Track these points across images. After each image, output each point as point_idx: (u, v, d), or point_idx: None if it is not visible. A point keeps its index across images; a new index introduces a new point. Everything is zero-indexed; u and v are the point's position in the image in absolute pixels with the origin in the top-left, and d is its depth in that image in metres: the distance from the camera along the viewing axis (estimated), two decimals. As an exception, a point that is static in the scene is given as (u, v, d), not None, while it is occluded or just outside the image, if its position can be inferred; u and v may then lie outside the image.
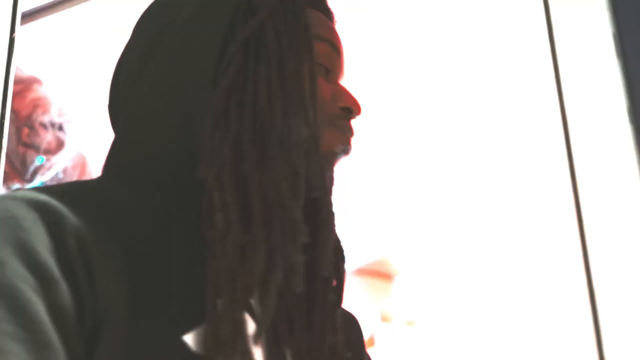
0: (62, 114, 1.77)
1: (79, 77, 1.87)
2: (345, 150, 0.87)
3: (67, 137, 1.75)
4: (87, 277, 0.63)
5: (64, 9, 1.77)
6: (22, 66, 1.84)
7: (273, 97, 0.80)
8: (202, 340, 0.67)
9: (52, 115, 1.77)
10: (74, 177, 1.72)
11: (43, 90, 1.79)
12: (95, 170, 1.72)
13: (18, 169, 1.75)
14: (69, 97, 1.79)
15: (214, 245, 0.71)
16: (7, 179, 1.74)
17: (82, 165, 1.74)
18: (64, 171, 1.73)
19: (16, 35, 1.47)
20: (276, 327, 0.77)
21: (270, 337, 0.76)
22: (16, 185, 1.74)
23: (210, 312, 0.67)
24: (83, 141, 1.75)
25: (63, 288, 0.62)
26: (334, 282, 0.84)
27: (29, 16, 1.69)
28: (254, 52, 0.83)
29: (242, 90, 0.80)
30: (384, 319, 2.47)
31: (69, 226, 0.65)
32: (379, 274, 2.53)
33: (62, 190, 0.70)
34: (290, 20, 0.86)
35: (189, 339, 0.67)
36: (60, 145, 1.75)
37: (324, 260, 0.77)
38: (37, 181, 1.73)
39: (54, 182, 1.71)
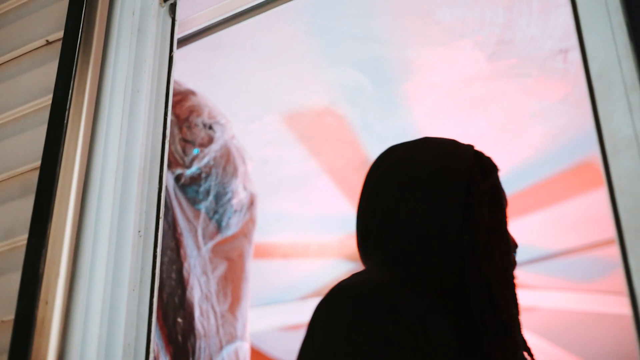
0: (212, 116, 2.39)
1: (223, 88, 2.50)
2: None
3: (216, 134, 2.40)
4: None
5: (210, 34, 2.32)
6: (180, 81, 2.38)
7: (500, 241, 1.22)
8: None
9: (204, 117, 2.37)
10: (221, 164, 2.40)
11: (196, 99, 2.37)
12: (237, 159, 2.42)
13: (180, 159, 2.35)
14: (216, 104, 2.42)
15: (488, 339, 1.10)
16: (171, 166, 2.34)
17: (227, 154, 2.43)
18: (214, 159, 2.39)
19: (174, 54, 1.92)
20: None
21: None
22: (178, 171, 2.35)
23: None
24: (227, 137, 2.42)
25: None
26: None
27: (182, 42, 2.18)
28: (488, 203, 1.22)
29: (484, 236, 1.19)
30: None
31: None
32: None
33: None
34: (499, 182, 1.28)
35: None
36: (210, 140, 2.38)
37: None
38: (194, 167, 2.37)
39: (207, 168, 2.37)
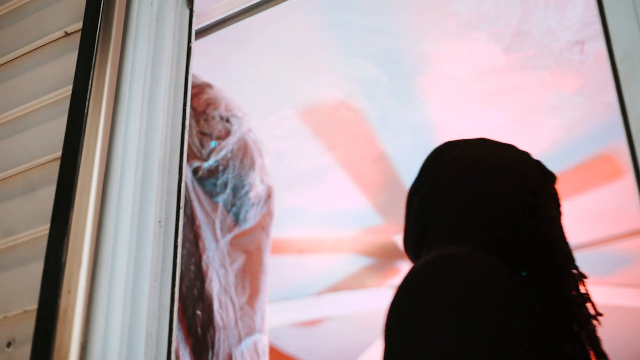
0: (229, 109, 2.39)
1: (238, 82, 2.50)
2: None
3: (233, 127, 2.40)
4: None
5: (225, 27, 2.32)
6: (196, 74, 2.38)
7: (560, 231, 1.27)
8: None
9: (221, 110, 2.37)
10: (238, 157, 2.40)
11: (213, 92, 2.37)
12: (255, 152, 2.42)
13: (197, 151, 2.36)
14: (232, 97, 2.42)
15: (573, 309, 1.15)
16: (188, 159, 2.34)
17: (244, 147, 2.43)
18: (231, 152, 2.39)
19: (192, 45, 1.91)
20: None
21: None
22: (196, 163, 2.35)
23: None
24: (244, 130, 2.42)
25: None
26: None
27: (198, 34, 2.17)
28: (553, 200, 1.32)
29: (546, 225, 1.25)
30: None
31: None
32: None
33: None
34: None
35: None
36: (227, 133, 2.39)
37: None
38: (212, 160, 2.37)
39: (224, 161, 2.37)
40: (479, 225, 1.22)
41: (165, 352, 1.43)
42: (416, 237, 1.33)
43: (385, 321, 1.12)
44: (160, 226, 1.54)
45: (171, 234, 1.55)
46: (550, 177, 1.37)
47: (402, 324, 1.06)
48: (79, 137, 1.48)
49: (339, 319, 4.92)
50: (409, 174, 3.60)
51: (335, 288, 4.56)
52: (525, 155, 1.37)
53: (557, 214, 1.32)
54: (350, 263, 4.42)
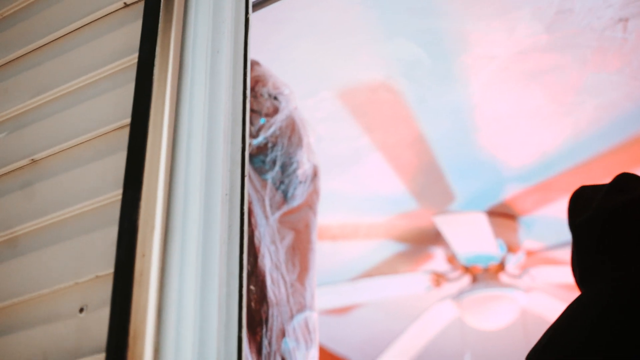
0: (276, 87, 2.38)
1: (279, 63, 2.50)
2: None
3: (281, 104, 2.39)
4: None
5: (265, 6, 2.31)
6: None
7: None
8: None
9: (269, 87, 2.37)
10: (286, 134, 2.40)
11: (261, 69, 2.37)
12: (302, 130, 2.41)
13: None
14: (280, 75, 2.41)
15: None
16: (237, 136, 2.33)
17: (292, 125, 2.43)
18: (279, 129, 2.39)
19: (249, 17, 1.91)
20: None
21: None
22: (245, 140, 2.34)
23: None
24: (291, 107, 2.42)
25: None
26: None
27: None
28: None
29: None
30: (511, 249, 3.55)
31: None
32: (504, 214, 3.52)
33: None
34: None
35: None
36: (275, 110, 2.38)
37: None
38: (261, 137, 2.37)
39: (273, 138, 2.37)
40: None
41: (237, 317, 1.43)
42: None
43: None
44: (226, 194, 1.54)
45: (237, 202, 1.55)
46: None
47: None
48: (148, 103, 1.48)
49: (370, 306, 4.91)
50: (446, 157, 3.59)
51: (368, 274, 4.56)
52: None
53: None
54: (384, 249, 4.42)
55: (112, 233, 1.41)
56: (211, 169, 1.53)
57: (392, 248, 4.40)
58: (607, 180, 1.49)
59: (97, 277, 1.42)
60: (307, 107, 3.21)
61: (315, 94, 3.18)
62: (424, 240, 4.29)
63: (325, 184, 3.69)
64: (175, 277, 1.36)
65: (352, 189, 3.85)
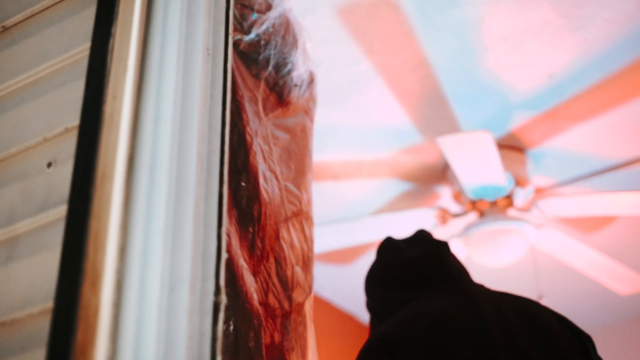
0: (268, -19, 2.26)
1: None
2: None
3: (274, 1, 2.27)
4: None
5: None
6: None
7: None
8: None
9: (261, -18, 2.25)
10: (280, 33, 2.27)
11: (252, -39, 2.25)
12: (297, 30, 2.30)
13: (237, 24, 2.24)
14: (273, -32, 2.28)
15: None
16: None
17: (286, 23, 2.30)
18: (273, 26, 2.26)
19: None
20: None
21: None
22: (237, 37, 2.23)
23: None
24: (286, 6, 2.29)
25: None
26: None
27: None
28: None
29: None
30: (519, 183, 3.43)
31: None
32: (512, 147, 3.40)
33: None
34: None
35: None
36: (269, 7, 2.26)
37: None
38: (253, 33, 2.25)
39: (266, 35, 2.24)
40: None
41: (217, 175, 1.32)
42: None
43: None
44: (208, 54, 1.43)
45: (220, 61, 1.45)
46: None
47: None
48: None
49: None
50: (450, 82, 3.45)
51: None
52: None
53: None
54: (389, 189, 4.30)
55: (83, 85, 1.30)
56: (192, 25, 1.42)
57: (397, 188, 4.28)
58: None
59: (66, 129, 1.31)
60: (305, 27, 3.08)
61: (313, 12, 3.05)
62: (430, 178, 4.17)
63: (325, 116, 3.57)
64: (149, 121, 1.25)
65: (354, 121, 3.72)
